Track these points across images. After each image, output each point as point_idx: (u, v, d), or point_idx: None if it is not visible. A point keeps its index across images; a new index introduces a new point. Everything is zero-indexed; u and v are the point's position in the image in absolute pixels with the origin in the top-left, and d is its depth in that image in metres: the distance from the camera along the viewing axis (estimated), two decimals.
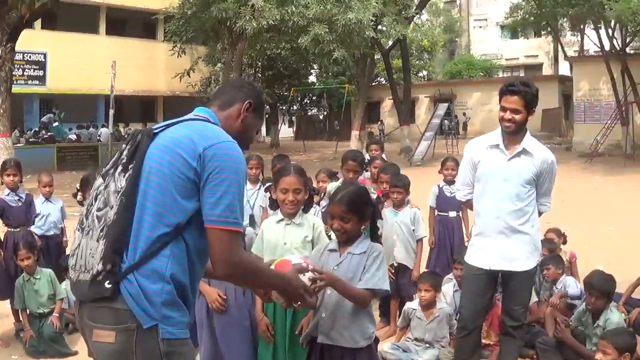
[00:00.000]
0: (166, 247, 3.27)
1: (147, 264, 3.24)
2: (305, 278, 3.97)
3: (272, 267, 4.00)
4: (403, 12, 35.40)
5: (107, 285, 3.19)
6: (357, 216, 4.73)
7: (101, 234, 3.27)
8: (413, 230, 8.42)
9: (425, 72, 64.95)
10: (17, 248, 7.97)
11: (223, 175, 3.30)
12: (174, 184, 3.27)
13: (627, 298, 8.00)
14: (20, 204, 8.71)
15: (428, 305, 7.62)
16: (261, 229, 5.76)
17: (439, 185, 9.81)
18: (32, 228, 8.93)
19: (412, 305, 7.84)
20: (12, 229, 8.63)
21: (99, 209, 3.35)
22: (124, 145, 3.50)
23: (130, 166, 3.35)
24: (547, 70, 62.56)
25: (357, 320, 4.77)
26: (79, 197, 7.09)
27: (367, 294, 4.63)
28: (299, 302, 3.93)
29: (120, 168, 3.38)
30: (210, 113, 3.66)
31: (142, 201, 3.28)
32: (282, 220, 5.59)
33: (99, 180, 3.49)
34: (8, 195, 8.76)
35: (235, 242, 3.33)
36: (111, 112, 20.08)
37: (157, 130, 3.48)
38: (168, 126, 3.51)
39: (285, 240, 5.53)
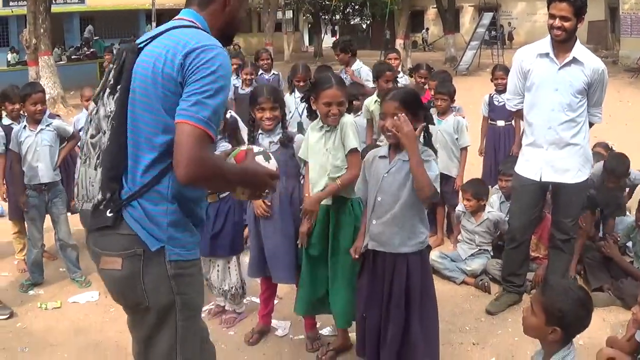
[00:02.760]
0: (164, 165, 3.12)
1: (149, 187, 3.13)
2: (272, 165, 3.59)
3: (232, 160, 3.52)
4: None
5: (108, 214, 3.12)
6: (409, 114, 4.62)
7: (98, 161, 3.18)
8: (457, 138, 8.30)
9: None
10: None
11: (204, 73, 3.04)
12: (160, 102, 3.08)
13: None
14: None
15: (474, 212, 7.64)
16: (307, 133, 5.72)
17: (489, 94, 9.64)
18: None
19: (460, 208, 7.84)
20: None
21: (92, 136, 3.24)
22: (111, 65, 3.30)
23: (118, 87, 3.18)
24: None
25: (409, 225, 4.74)
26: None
27: (431, 185, 4.54)
28: (265, 191, 3.57)
29: (108, 90, 3.23)
30: (195, 14, 3.36)
31: (133, 124, 3.12)
32: (322, 126, 5.50)
33: (92, 105, 3.37)
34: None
35: (201, 142, 2.98)
36: (153, 25, 19.99)
37: (141, 44, 3.26)
38: (153, 38, 3.26)
39: (327, 146, 5.45)
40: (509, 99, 6.66)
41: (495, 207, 7.95)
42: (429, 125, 4.85)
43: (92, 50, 37.30)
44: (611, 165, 7.63)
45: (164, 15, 41.33)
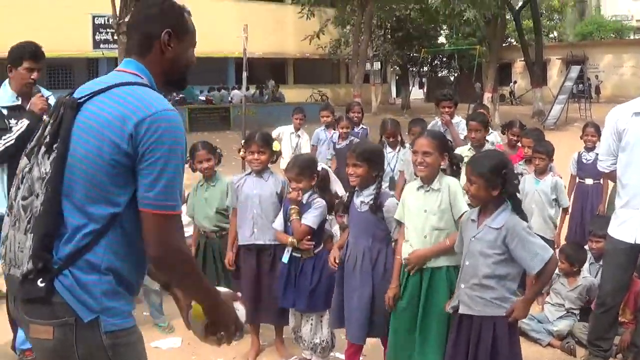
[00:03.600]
0: (101, 238, 2.92)
1: (80, 257, 2.91)
2: (241, 315, 3.33)
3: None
4: None
5: (40, 283, 2.88)
6: (482, 179, 4.60)
7: (28, 226, 2.95)
8: (554, 199, 8.10)
9: (555, 33, 63.38)
10: (194, 150, 7.37)
11: (159, 152, 2.87)
12: (104, 172, 2.88)
13: None
14: None
15: (568, 275, 7.46)
16: (403, 195, 5.73)
17: (579, 152, 9.45)
18: None
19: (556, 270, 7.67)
20: None
21: (23, 198, 3.01)
22: (46, 118, 3.11)
23: (55, 145, 2.95)
24: None
25: (495, 292, 4.70)
26: (241, 152, 7.19)
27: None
28: (220, 333, 3.27)
29: (44, 149, 3.00)
30: (137, 65, 3.15)
31: (70, 190, 2.91)
32: (421, 186, 5.51)
33: (24, 161, 3.11)
34: None
35: (171, 226, 2.92)
36: (244, 74, 20.22)
37: (81, 100, 3.00)
38: (94, 94, 3.00)
39: (426, 207, 5.44)
40: (601, 159, 6.46)
41: (584, 268, 7.71)
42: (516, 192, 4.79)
43: (181, 95, 37.93)
44: None
45: (254, 63, 42.00)
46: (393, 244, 5.70)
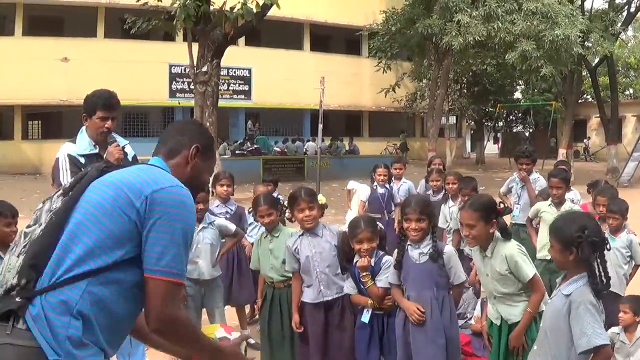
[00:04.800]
0: (84, 280, 2.98)
1: (58, 291, 2.95)
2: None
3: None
4: (610, 28, 34.34)
5: (17, 299, 2.93)
6: (558, 243, 4.45)
7: (23, 249, 3.06)
8: (629, 256, 7.96)
9: (631, 90, 62.58)
10: (257, 204, 7.30)
11: (171, 222, 3.10)
12: (112, 219, 3.06)
13: None
14: (228, 217, 8.56)
15: (628, 328, 7.12)
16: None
17: None
18: (247, 237, 8.89)
19: (615, 329, 7.45)
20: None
21: (28, 226, 3.19)
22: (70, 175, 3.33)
23: (70, 192, 3.19)
24: None
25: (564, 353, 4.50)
26: (287, 214, 7.14)
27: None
28: None
29: (61, 192, 3.26)
30: (163, 163, 3.47)
31: (75, 230, 3.05)
32: (482, 251, 5.62)
33: (40, 204, 3.31)
34: (217, 207, 8.79)
35: (175, 294, 3.14)
36: (320, 126, 20.38)
37: (106, 168, 3.31)
38: (119, 167, 3.37)
39: (487, 272, 5.57)
40: None
41: None
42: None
43: (255, 146, 38.29)
44: None
45: (330, 116, 42.39)
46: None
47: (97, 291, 3.02)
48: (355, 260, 6.27)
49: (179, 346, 3.36)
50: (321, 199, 6.84)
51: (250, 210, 8.56)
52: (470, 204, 5.77)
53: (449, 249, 5.84)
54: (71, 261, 3.00)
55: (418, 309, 5.71)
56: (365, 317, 6.22)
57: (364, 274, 6.10)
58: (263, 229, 7.39)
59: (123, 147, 6.22)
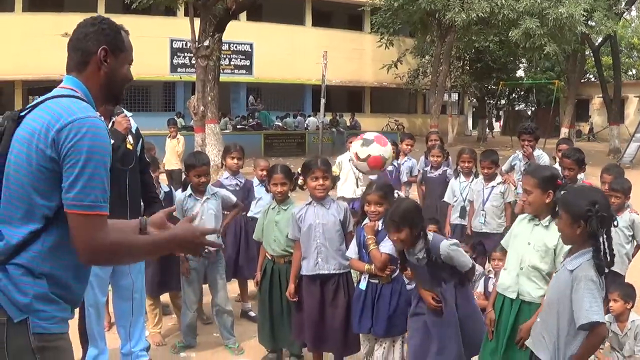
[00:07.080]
0: (37, 241, 3.07)
1: (17, 257, 3.05)
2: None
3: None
4: (614, 7, 34.17)
5: None
6: (567, 215, 4.43)
7: None
8: (630, 235, 7.95)
9: (634, 71, 62.43)
10: (273, 171, 7.29)
11: (78, 154, 3.00)
12: (35, 178, 3.05)
13: None
14: (237, 189, 8.66)
15: (619, 317, 7.14)
16: (514, 224, 5.85)
17: None
18: (249, 214, 8.93)
19: (608, 317, 7.38)
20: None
21: None
22: None
23: None
24: None
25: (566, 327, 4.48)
26: (300, 180, 7.14)
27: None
28: (206, 250, 3.49)
29: None
30: (75, 81, 3.33)
31: (7, 196, 3.12)
32: (532, 219, 5.57)
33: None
34: (227, 178, 8.84)
35: (92, 226, 3.01)
36: (322, 101, 20.29)
37: (23, 113, 3.22)
38: (34, 107, 3.21)
39: (530, 240, 5.49)
40: None
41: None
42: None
43: (257, 121, 38.21)
44: None
45: (331, 92, 42.27)
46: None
47: (53, 246, 3.09)
48: (363, 223, 6.31)
49: (126, 262, 3.36)
50: (335, 170, 6.81)
51: (262, 178, 8.71)
52: (532, 171, 5.79)
53: (444, 247, 5.67)
54: (16, 227, 3.07)
55: (434, 297, 5.73)
56: (363, 284, 6.25)
57: (369, 236, 6.10)
58: (272, 200, 7.41)
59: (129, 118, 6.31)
